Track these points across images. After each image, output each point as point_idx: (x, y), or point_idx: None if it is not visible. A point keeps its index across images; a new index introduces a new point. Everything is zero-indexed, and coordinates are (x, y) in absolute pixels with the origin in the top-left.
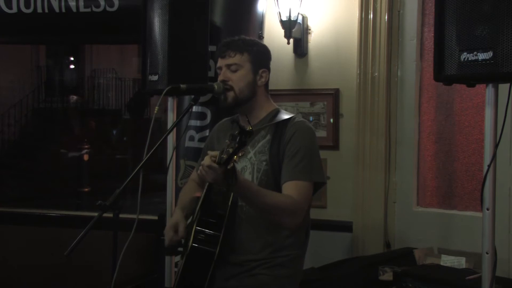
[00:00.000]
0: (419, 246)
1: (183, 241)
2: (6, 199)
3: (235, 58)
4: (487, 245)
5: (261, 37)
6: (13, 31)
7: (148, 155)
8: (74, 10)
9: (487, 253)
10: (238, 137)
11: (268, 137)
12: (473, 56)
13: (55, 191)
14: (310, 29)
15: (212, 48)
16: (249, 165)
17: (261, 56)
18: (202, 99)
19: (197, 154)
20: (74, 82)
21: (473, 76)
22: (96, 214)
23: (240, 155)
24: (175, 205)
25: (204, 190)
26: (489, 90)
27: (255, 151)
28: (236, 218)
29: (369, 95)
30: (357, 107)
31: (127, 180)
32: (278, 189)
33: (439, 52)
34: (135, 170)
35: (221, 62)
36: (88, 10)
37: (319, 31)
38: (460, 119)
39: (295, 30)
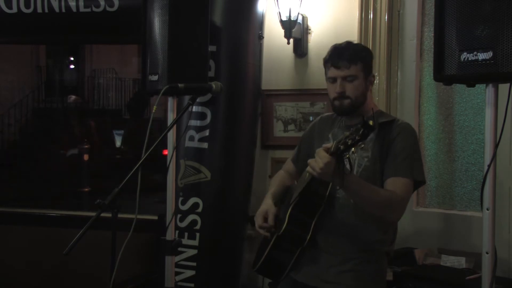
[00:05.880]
0: (419, 246)
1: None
2: (6, 199)
3: (351, 70)
4: (487, 245)
5: (261, 37)
6: (13, 31)
7: (146, 154)
8: (74, 10)
9: (487, 253)
10: (362, 130)
11: (372, 135)
12: (473, 56)
13: (55, 191)
14: (310, 29)
15: (212, 48)
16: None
17: (369, 62)
18: (202, 99)
19: (197, 154)
20: (74, 82)
21: (473, 76)
22: (95, 213)
23: (360, 147)
24: (174, 205)
25: (308, 180)
26: (489, 90)
27: (357, 148)
28: (331, 209)
29: None
30: None
31: (125, 179)
32: (377, 186)
33: (439, 52)
34: (133, 169)
35: (335, 73)
36: (88, 10)
37: (319, 31)
38: (460, 119)
39: (295, 30)
